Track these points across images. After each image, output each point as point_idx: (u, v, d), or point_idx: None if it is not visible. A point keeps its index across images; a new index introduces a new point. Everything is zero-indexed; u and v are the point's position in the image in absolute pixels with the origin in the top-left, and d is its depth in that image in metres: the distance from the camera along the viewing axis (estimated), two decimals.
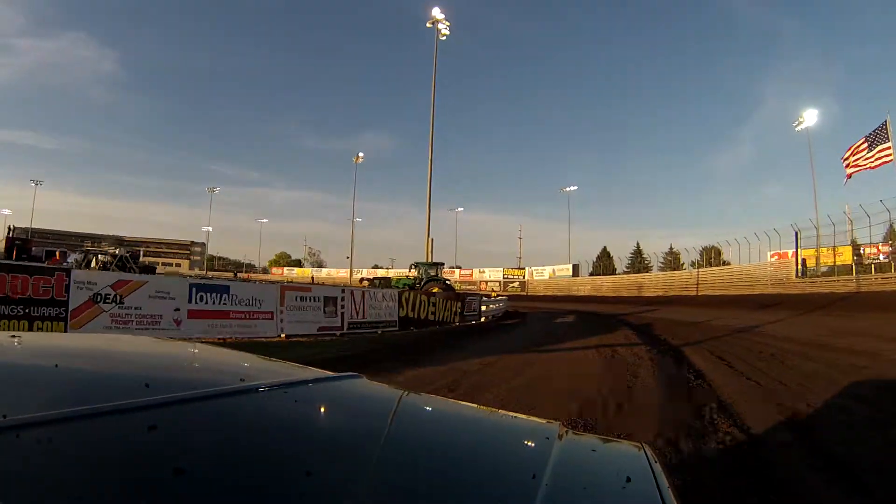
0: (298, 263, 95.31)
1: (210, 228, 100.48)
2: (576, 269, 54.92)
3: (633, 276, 48.43)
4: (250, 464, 0.62)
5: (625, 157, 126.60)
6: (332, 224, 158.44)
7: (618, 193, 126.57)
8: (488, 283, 61.90)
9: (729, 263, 39.65)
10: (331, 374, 1.12)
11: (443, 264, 32.10)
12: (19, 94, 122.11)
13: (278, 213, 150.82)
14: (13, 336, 1.25)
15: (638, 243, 65.78)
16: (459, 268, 68.74)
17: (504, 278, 61.19)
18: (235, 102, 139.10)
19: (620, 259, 54.90)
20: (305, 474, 0.60)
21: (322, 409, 0.94)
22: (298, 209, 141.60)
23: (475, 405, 1.36)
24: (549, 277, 56.83)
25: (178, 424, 0.71)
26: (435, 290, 22.04)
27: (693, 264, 44.62)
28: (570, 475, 0.70)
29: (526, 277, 59.31)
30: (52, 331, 7.19)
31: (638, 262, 61.08)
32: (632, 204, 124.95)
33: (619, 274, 51.70)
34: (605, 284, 49.43)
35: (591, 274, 54.36)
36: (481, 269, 64.91)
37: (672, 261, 48.49)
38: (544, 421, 0.98)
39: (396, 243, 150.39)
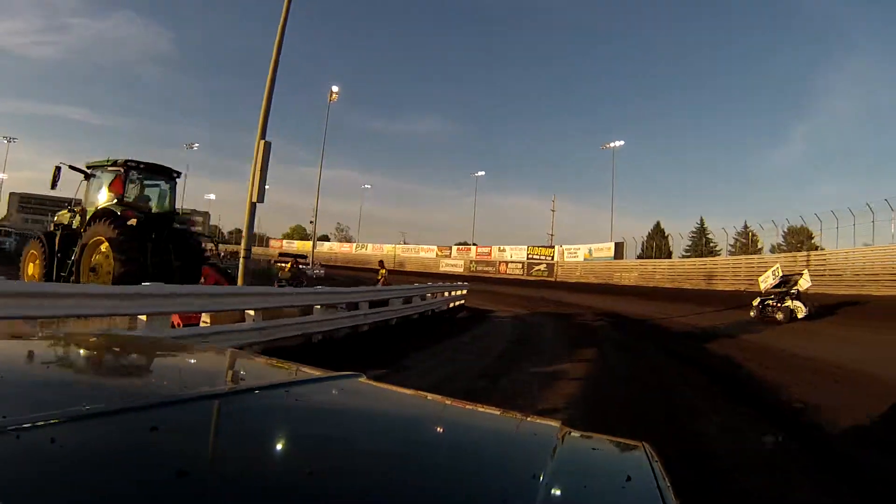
0: (326, 238, 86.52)
1: (213, 196, 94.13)
2: (619, 249, 42.67)
3: (697, 262, 36.00)
4: (251, 464, 0.64)
5: (675, 121, 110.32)
6: (377, 203, 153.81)
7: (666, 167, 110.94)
8: (508, 265, 50.78)
9: (822, 248, 27.34)
10: (331, 373, 1.14)
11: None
12: (73, 71, 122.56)
13: (324, 190, 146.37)
14: (13, 336, 1.30)
15: (702, 219, 52.89)
16: (475, 245, 57.78)
17: (528, 259, 49.91)
18: (290, 81, 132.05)
19: (680, 237, 42.14)
20: (307, 474, 0.61)
21: (322, 409, 0.95)
22: (344, 187, 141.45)
23: (475, 405, 1.33)
24: (585, 259, 44.94)
25: (178, 425, 0.71)
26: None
27: (774, 248, 32.28)
28: (571, 474, 0.71)
29: (555, 258, 47.64)
30: None
31: (701, 244, 48.46)
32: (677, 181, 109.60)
33: (677, 258, 39.14)
34: (658, 271, 37.16)
35: (640, 256, 42.28)
36: (501, 248, 53.87)
37: (746, 244, 36.08)
38: (544, 420, 1.03)
39: (442, 222, 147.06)
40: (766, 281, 16.06)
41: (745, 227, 38.24)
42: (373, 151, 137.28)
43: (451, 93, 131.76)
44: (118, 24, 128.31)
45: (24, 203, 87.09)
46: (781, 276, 15.75)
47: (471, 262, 55.69)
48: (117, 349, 1.34)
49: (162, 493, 0.52)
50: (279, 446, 0.74)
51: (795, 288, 14.90)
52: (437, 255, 59.96)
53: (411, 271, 55.32)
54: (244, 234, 11.07)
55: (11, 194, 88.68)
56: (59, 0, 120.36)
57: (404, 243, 68.84)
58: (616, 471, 0.77)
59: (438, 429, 0.97)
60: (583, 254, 45.48)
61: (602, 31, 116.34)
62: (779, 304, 14.86)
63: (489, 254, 54.93)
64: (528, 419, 1.21)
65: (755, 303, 15.75)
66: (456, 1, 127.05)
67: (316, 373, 1.17)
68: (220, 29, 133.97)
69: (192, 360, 1.35)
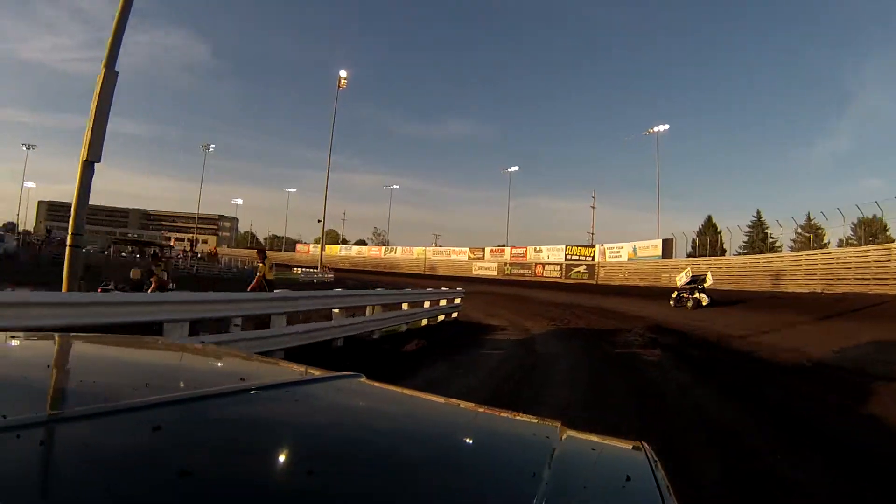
0: (363, 242, 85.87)
1: (241, 201, 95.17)
2: (667, 247, 38.91)
3: (761, 259, 31.68)
4: (251, 464, 0.64)
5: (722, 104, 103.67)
6: (412, 207, 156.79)
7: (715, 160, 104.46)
8: (545, 268, 47.74)
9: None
10: (331, 373, 1.15)
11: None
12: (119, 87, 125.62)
13: (362, 196, 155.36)
14: (13, 336, 1.23)
15: (759, 212, 48.43)
16: (510, 247, 54.96)
17: (567, 259, 46.75)
18: (323, 89, 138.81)
19: (736, 231, 37.91)
20: (306, 474, 0.61)
21: (322, 409, 0.95)
22: (382, 193, 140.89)
23: (475, 405, 1.32)
24: (629, 259, 41.46)
25: (178, 425, 0.71)
26: None
27: (842, 242, 28.24)
28: (570, 474, 0.71)
29: (596, 259, 44.31)
30: None
31: (758, 240, 44.10)
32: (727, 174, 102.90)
33: (733, 255, 35.16)
34: (713, 271, 33.54)
35: (690, 255, 38.47)
36: (537, 248, 50.87)
37: (807, 238, 31.98)
38: (544, 420, 1.02)
39: (478, 226, 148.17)
40: (681, 280, 21.27)
41: (808, 218, 33.99)
42: (409, 156, 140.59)
43: (487, 95, 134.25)
44: (158, 36, 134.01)
45: (53, 211, 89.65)
46: (692, 276, 21.00)
47: (505, 264, 52.89)
48: (117, 349, 1.38)
49: (162, 492, 0.53)
50: (279, 446, 0.73)
51: (703, 285, 20.15)
52: (469, 257, 57.47)
53: (442, 276, 53.05)
54: (73, 208, 7.28)
55: (40, 203, 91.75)
56: (100, 16, 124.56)
57: (436, 245, 66.77)
58: (616, 471, 0.77)
59: (438, 429, 0.97)
60: (626, 253, 41.97)
61: (644, 21, 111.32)
62: (689, 296, 20.02)
63: (524, 255, 52.00)
64: (528, 419, 1.23)
65: (674, 295, 21.04)
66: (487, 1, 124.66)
67: (316, 373, 1.18)
68: (254, 37, 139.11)
69: (192, 360, 1.36)
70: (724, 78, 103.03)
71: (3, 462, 0.54)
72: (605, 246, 44.47)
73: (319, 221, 42.67)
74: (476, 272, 54.38)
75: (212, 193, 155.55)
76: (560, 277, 45.83)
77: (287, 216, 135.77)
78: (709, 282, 20.50)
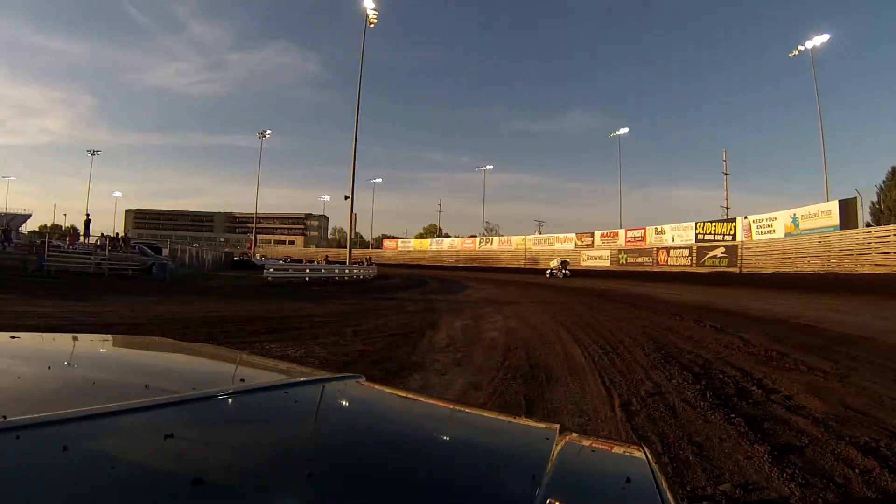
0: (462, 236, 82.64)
1: (328, 198, 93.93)
2: (847, 211, 27.70)
3: None
4: (250, 464, 0.65)
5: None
6: (536, 203, 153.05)
7: None
8: (670, 253, 38.84)
9: None
10: (331, 374, 1.16)
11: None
12: (234, 103, 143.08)
13: (489, 194, 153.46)
14: (13, 337, 1.25)
15: None
16: (624, 229, 46.25)
17: (697, 241, 37.34)
18: (439, 91, 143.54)
19: None
20: (306, 475, 0.61)
21: (322, 410, 0.97)
22: (494, 189, 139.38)
23: (475, 406, 1.35)
24: (787, 234, 31.09)
25: (178, 425, 0.71)
26: None
27: None
28: (570, 475, 0.72)
29: (738, 236, 34.48)
30: None
31: None
32: None
33: None
34: None
35: (873, 222, 27.28)
36: (658, 228, 41.93)
37: None
38: (544, 422, 1.03)
39: (594, 217, 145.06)
40: (553, 263, 37.95)
41: None
42: (519, 151, 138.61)
43: (598, 85, 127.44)
44: (272, 54, 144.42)
45: (139, 219, 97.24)
46: (562, 260, 37.34)
47: (619, 251, 44.69)
48: (117, 350, 1.42)
49: (162, 492, 0.54)
50: (278, 447, 0.73)
51: (568, 267, 36.43)
52: (576, 244, 50.05)
53: (544, 269, 46.68)
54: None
55: (127, 211, 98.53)
56: (215, 40, 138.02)
57: (539, 233, 59.96)
58: (615, 473, 0.78)
59: (438, 431, 0.98)
60: (783, 225, 31.67)
61: None
62: (557, 273, 35.54)
63: (642, 239, 43.39)
64: (528, 422, 1.23)
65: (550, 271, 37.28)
66: None
67: (316, 373, 1.19)
68: (368, 48, 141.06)
69: (192, 361, 1.38)
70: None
71: (3, 462, 0.55)
72: (751, 218, 34.28)
73: (347, 198, 33.05)
74: (585, 262, 46.90)
75: (389, 204, 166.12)
76: (689, 265, 36.81)
77: (383, 214, 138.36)
78: (569, 264, 30.80)
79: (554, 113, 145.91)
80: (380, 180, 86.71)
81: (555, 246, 52.30)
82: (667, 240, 40.45)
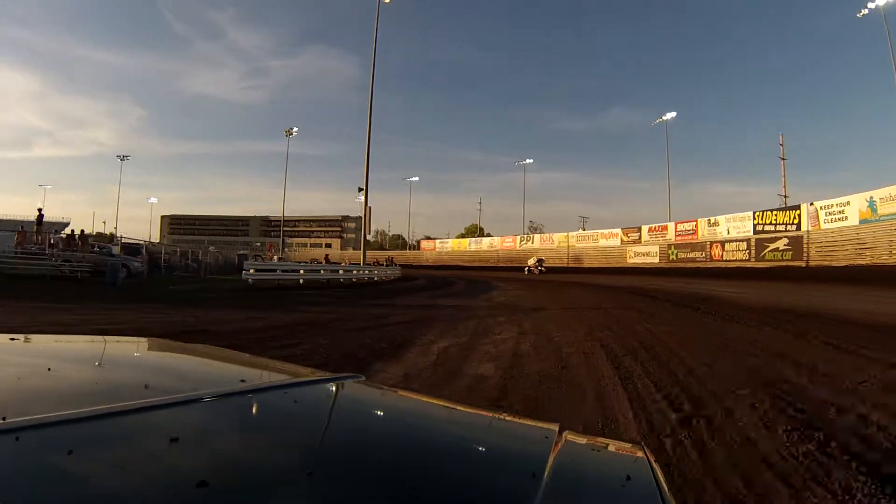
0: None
1: (363, 198, 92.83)
2: None
3: None
4: (250, 465, 0.65)
5: None
6: (581, 202, 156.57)
7: None
8: (725, 247, 35.97)
9: None
10: (331, 374, 1.17)
11: None
12: (277, 109, 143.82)
13: (533, 194, 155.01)
14: (13, 338, 1.27)
15: None
16: (674, 222, 43.35)
17: (756, 232, 34.33)
18: (477, 91, 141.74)
19: None
20: (306, 475, 0.62)
21: (322, 409, 0.98)
22: (538, 188, 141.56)
23: (475, 406, 1.34)
24: (862, 220, 27.84)
25: (178, 426, 0.72)
26: None
27: None
28: (570, 475, 0.72)
29: (804, 226, 31.28)
30: None
31: None
32: None
33: None
34: None
35: None
36: (711, 220, 39.03)
37: None
38: (543, 422, 1.04)
39: (641, 216, 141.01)
40: (530, 261, 44.57)
41: None
42: (560, 149, 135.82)
43: (639, 80, 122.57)
44: (312, 58, 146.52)
45: (175, 224, 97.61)
46: (538, 259, 44.25)
47: (669, 246, 42.01)
48: (117, 350, 1.41)
49: (162, 492, 0.54)
50: (278, 447, 0.73)
51: (545, 264, 43.32)
52: (622, 240, 47.55)
53: (587, 268, 44.39)
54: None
55: (162, 217, 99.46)
56: (255, 48, 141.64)
57: (583, 230, 57.49)
58: (615, 472, 0.79)
59: (437, 430, 0.98)
60: (857, 210, 28.35)
61: None
62: (535, 269, 41.97)
63: (694, 232, 40.55)
64: (527, 421, 1.25)
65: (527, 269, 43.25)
66: None
67: (316, 373, 1.20)
68: (405, 49, 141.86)
69: (192, 361, 1.40)
70: None
71: (2, 462, 0.55)
72: (818, 205, 31.01)
73: (361, 190, 30.20)
74: (632, 260, 44.46)
75: (430, 207, 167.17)
76: (747, 260, 33.98)
77: (424, 216, 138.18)
78: (545, 263, 44.14)
79: (595, 110, 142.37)
80: (416, 178, 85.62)
81: (599, 242, 49.95)
82: (721, 232, 37.54)
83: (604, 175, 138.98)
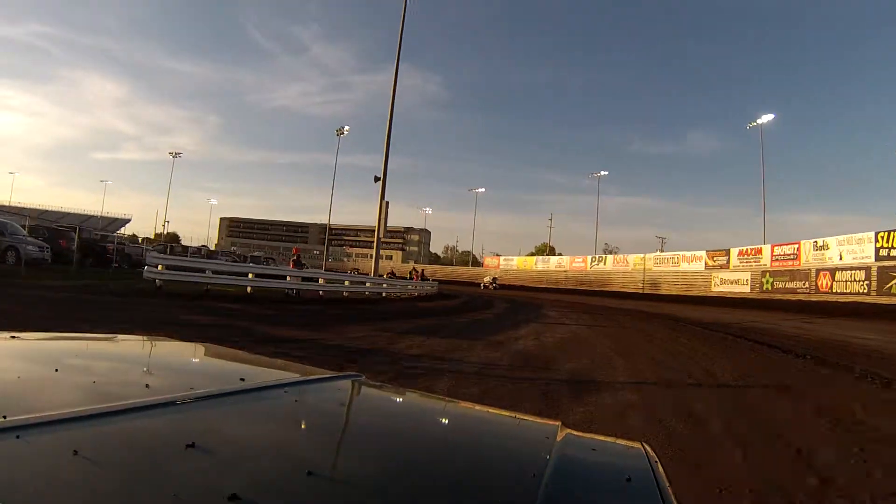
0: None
1: (429, 210, 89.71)
2: None
3: None
4: (250, 464, 0.66)
5: None
6: (657, 228, 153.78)
7: None
8: (835, 276, 30.07)
9: None
10: (331, 373, 1.16)
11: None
12: (358, 122, 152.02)
13: (610, 218, 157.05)
14: (13, 336, 1.26)
15: None
16: (769, 245, 37.44)
17: (879, 258, 28.32)
18: (553, 112, 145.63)
19: None
20: (306, 474, 0.61)
21: (322, 409, 0.98)
22: (627, 214, 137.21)
23: (475, 404, 1.35)
24: None
25: (178, 425, 0.73)
26: None
27: None
28: (570, 474, 0.72)
29: None
30: None
31: None
32: None
33: None
34: None
35: None
36: (818, 242, 32.98)
37: None
38: (544, 420, 1.04)
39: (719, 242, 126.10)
40: (486, 279, 59.25)
41: None
42: (637, 173, 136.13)
43: (721, 103, 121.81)
44: (391, 76, 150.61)
45: (234, 227, 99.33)
46: (493, 277, 59.05)
47: (763, 273, 36.36)
48: (117, 349, 1.40)
49: (162, 492, 0.54)
50: (278, 446, 0.73)
51: (497, 281, 57.10)
52: (706, 265, 42.10)
53: (664, 295, 39.72)
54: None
55: (221, 219, 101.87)
56: (339, 63, 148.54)
57: (661, 251, 52.05)
58: (616, 471, 0.78)
59: (438, 429, 0.99)
60: None
61: None
62: (490, 286, 53.71)
63: (795, 257, 34.78)
64: (528, 419, 1.23)
65: (483, 284, 57.87)
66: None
67: (316, 373, 1.19)
68: (485, 70, 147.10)
69: (192, 361, 1.41)
70: None
71: (2, 462, 0.55)
72: None
73: (378, 180, 24.80)
74: (717, 288, 39.13)
75: (510, 226, 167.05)
76: (865, 293, 28.07)
77: (496, 235, 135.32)
78: (498, 280, 55.12)
79: (674, 134, 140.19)
80: (482, 190, 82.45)
81: (680, 266, 44.68)
82: (831, 257, 31.58)
83: (683, 201, 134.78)
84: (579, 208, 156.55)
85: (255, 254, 46.00)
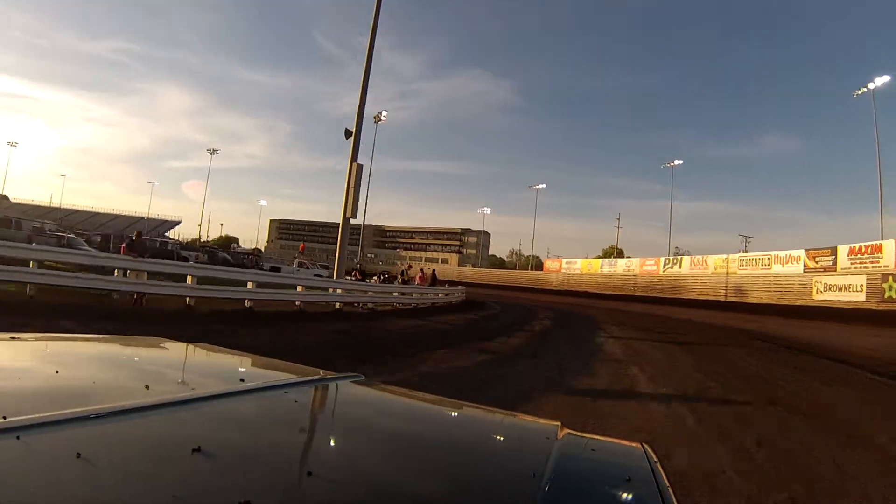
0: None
1: (488, 210, 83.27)
2: None
3: None
4: (251, 464, 0.66)
5: None
6: (733, 235, 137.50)
7: None
8: None
9: None
10: (332, 374, 1.16)
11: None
12: (424, 129, 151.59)
13: (680, 225, 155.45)
14: (14, 337, 1.25)
15: None
16: (893, 241, 29.67)
17: None
18: (621, 118, 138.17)
19: None
20: (307, 474, 0.62)
21: (323, 409, 0.99)
22: (700, 221, 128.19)
23: (475, 405, 1.35)
24: None
25: (178, 425, 0.74)
26: None
27: None
28: (570, 474, 0.72)
29: None
30: None
31: None
32: None
33: None
34: None
35: None
36: None
37: None
38: (544, 420, 1.03)
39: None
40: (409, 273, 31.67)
41: None
42: (710, 178, 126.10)
43: (798, 103, 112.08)
44: (466, 81, 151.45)
45: (284, 230, 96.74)
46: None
47: (884, 277, 28.57)
48: (117, 350, 1.40)
49: (163, 492, 0.54)
50: (279, 447, 0.74)
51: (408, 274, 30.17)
52: (805, 266, 34.59)
53: (751, 304, 33.06)
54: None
55: (271, 221, 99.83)
56: (408, 70, 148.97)
57: (744, 251, 44.60)
58: (616, 471, 0.79)
59: (438, 429, 0.98)
60: None
61: None
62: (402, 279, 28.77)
63: (876, 251, 26.63)
64: (529, 420, 1.21)
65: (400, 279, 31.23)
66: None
67: (316, 373, 1.18)
68: (554, 74, 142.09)
69: (192, 361, 1.40)
70: None
71: (3, 463, 0.55)
72: None
73: (350, 135, 16.91)
74: (820, 296, 31.85)
75: (578, 231, 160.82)
76: None
77: (562, 240, 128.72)
78: (410, 273, 32.27)
79: (749, 136, 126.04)
80: (543, 186, 75.00)
81: (772, 268, 37.37)
82: None
83: (760, 206, 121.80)
84: (647, 214, 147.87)
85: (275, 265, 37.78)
